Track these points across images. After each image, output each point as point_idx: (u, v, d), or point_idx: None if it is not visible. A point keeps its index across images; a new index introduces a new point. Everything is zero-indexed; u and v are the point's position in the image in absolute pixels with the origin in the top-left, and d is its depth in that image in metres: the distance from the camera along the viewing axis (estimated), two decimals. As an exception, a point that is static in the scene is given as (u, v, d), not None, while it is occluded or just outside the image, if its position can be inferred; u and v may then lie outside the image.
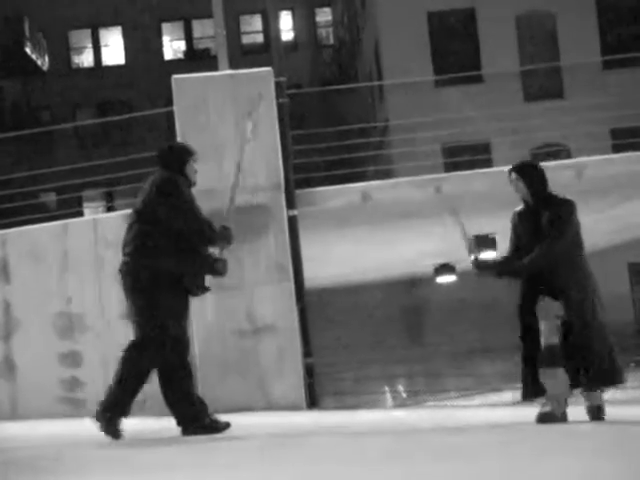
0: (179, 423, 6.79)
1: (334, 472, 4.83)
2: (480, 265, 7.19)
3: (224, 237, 6.85)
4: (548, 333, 6.49)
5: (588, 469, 4.37)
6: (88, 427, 7.20)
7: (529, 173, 6.99)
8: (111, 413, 6.55)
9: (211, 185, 9.68)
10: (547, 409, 6.52)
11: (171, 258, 6.52)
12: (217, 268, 6.82)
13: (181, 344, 6.79)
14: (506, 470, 4.44)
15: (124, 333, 9.10)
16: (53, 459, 6.07)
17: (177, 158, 6.87)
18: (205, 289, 6.85)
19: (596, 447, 5.63)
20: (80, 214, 13.98)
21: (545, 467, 4.66)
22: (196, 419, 6.74)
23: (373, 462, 5.11)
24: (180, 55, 37.00)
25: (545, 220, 6.74)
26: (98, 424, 6.53)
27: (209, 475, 4.93)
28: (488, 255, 12.97)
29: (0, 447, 7.11)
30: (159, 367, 6.75)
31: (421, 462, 4.99)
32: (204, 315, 9.79)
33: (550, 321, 6.52)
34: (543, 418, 6.44)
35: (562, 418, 6.51)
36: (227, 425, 6.74)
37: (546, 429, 6.43)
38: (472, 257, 7.31)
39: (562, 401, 6.50)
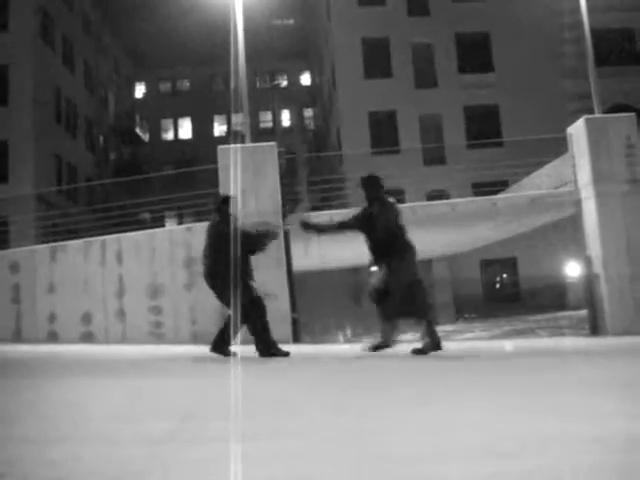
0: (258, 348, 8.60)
1: (306, 377, 6.68)
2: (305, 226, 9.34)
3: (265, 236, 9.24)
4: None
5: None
6: (167, 350, 10.16)
7: (365, 183, 8.98)
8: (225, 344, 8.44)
9: (240, 210, 11.39)
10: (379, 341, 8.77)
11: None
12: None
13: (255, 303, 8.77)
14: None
15: (186, 296, 13.75)
16: (143, 364, 8.64)
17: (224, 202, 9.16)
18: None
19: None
20: (163, 226, 16.59)
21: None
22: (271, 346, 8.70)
23: (329, 373, 6.74)
24: (223, 134, 49.84)
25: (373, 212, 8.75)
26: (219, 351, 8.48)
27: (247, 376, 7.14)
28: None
29: (118, 356, 9.79)
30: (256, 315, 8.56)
31: (357, 374, 6.52)
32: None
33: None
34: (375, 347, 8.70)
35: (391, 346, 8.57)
36: (287, 353, 8.66)
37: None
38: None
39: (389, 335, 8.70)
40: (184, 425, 3.51)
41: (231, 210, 9.17)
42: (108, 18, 47.05)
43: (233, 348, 8.57)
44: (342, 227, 9.21)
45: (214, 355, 8.42)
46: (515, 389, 4.93)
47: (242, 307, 8.39)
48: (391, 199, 9.07)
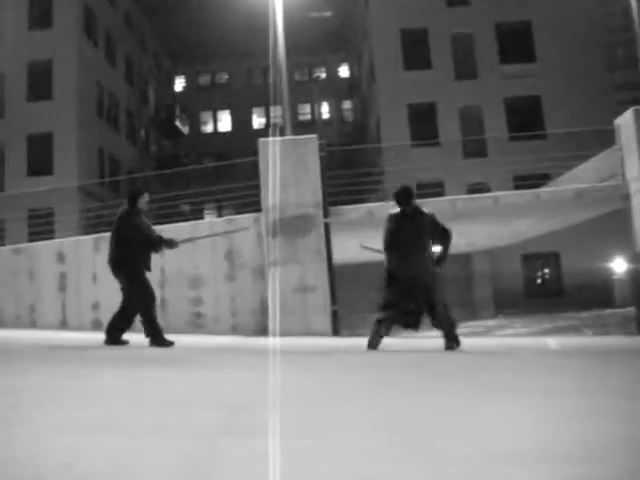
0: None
1: (348, 371, 6.70)
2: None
3: (168, 243, 9.52)
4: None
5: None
6: (207, 340, 10.28)
7: (400, 194, 9.05)
8: None
9: (281, 203, 13.43)
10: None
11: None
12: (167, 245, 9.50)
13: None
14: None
15: (226, 287, 13.85)
16: (185, 354, 8.79)
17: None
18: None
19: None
20: (202, 218, 16.80)
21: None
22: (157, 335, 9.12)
23: (366, 368, 6.57)
24: (262, 126, 49.70)
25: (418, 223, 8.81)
26: None
27: (288, 367, 7.09)
28: (438, 248, 17.00)
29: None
30: None
31: (393, 370, 6.35)
32: (274, 279, 13.09)
33: None
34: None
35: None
36: (172, 343, 8.98)
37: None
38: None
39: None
40: (238, 417, 3.52)
41: (140, 205, 9.45)
42: (148, 13, 47.38)
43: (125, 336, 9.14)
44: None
45: (249, 347, 8.81)
46: (571, 391, 4.84)
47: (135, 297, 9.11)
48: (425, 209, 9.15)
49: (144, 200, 9.48)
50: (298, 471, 2.45)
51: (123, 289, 9.30)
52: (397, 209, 9.08)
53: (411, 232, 8.79)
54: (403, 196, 9.04)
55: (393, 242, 8.92)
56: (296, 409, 3.83)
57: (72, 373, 5.81)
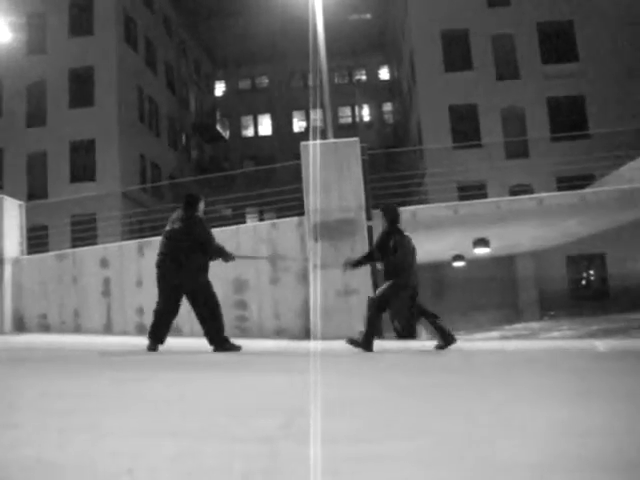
0: None
1: (386, 372, 6.73)
2: (347, 265, 9.99)
3: (226, 255, 9.32)
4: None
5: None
6: (252, 344, 9.97)
7: (385, 211, 9.71)
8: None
9: (323, 207, 13.47)
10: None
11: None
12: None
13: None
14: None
15: (270, 291, 13.81)
16: (233, 358, 8.62)
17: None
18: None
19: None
20: (244, 222, 16.77)
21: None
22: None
23: (411, 370, 6.51)
24: (302, 129, 50.42)
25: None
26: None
27: (339, 366, 7.40)
28: (483, 251, 16.81)
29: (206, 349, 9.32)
30: None
31: (437, 373, 6.23)
32: (317, 282, 13.10)
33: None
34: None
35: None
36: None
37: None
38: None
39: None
40: (294, 422, 3.48)
41: (199, 210, 9.46)
42: (188, 18, 47.74)
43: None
44: (370, 259, 10.30)
45: (296, 350, 8.87)
46: (630, 393, 4.71)
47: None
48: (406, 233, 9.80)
49: (202, 206, 9.50)
50: (359, 477, 2.42)
51: (192, 293, 9.14)
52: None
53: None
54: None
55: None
56: (351, 414, 3.80)
57: (125, 377, 5.83)
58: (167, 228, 9.36)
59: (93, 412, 3.79)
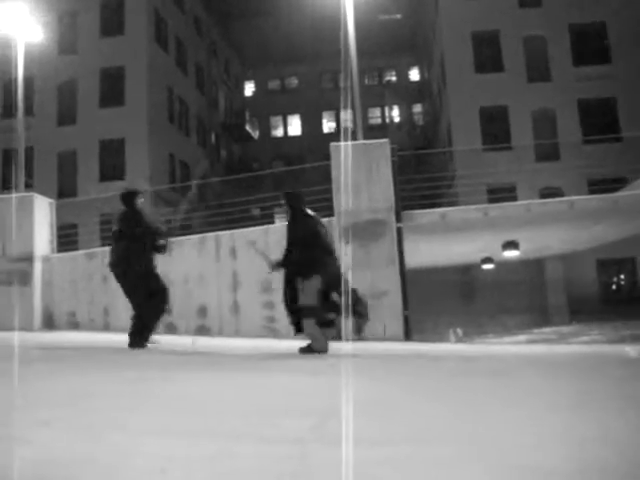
0: None
1: (415, 374, 6.71)
2: (274, 266, 8.93)
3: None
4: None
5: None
6: (280, 345, 10.19)
7: (288, 198, 8.98)
8: None
9: (353, 208, 13.41)
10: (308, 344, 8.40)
11: None
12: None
13: None
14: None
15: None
16: (262, 358, 8.67)
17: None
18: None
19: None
20: (272, 222, 16.86)
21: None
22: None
23: (441, 376, 6.38)
24: (332, 130, 49.83)
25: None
26: None
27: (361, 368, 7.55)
28: (512, 253, 16.55)
29: (235, 350, 9.87)
30: None
31: (470, 378, 6.13)
32: (346, 283, 13.97)
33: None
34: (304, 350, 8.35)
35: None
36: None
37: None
38: (270, 268, 9.15)
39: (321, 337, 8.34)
40: (324, 424, 3.45)
41: (138, 205, 9.41)
42: (218, 18, 47.91)
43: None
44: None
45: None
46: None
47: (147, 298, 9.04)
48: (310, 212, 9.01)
49: (140, 200, 9.48)
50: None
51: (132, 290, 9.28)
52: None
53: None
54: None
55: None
56: (382, 416, 3.78)
57: (154, 377, 5.84)
58: (113, 228, 9.50)
59: (123, 411, 3.79)
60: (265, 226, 14.77)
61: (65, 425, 3.29)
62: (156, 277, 9.36)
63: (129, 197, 9.38)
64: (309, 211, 9.00)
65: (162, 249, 9.46)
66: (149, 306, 9.13)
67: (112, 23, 36.46)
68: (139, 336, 9.08)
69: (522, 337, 19.19)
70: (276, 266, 8.95)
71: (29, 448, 2.73)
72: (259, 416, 3.70)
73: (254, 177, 22.66)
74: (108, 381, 5.30)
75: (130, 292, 9.25)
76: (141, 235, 9.11)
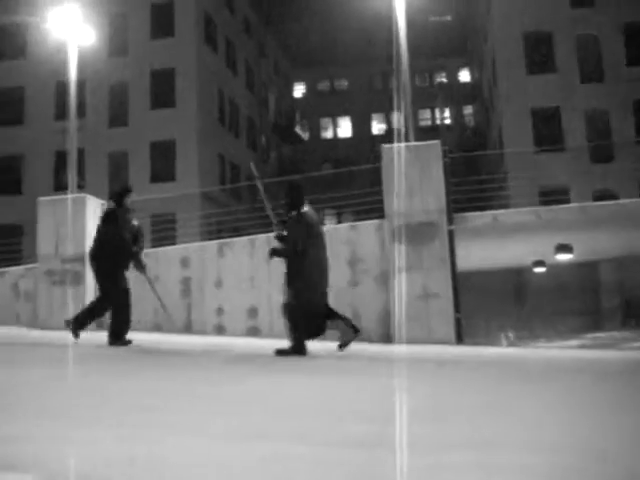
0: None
1: (470, 378, 6.68)
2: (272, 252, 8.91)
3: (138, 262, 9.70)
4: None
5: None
6: (330, 346, 9.40)
7: (288, 192, 9.11)
8: None
9: (404, 210, 13.28)
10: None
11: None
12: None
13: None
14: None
15: (349, 293, 13.62)
16: (315, 360, 8.47)
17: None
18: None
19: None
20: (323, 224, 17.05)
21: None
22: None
23: (491, 383, 6.18)
24: (381, 132, 50.32)
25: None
26: None
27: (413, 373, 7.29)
28: (565, 257, 16.27)
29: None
30: None
31: (518, 382, 6.15)
32: (397, 286, 13.00)
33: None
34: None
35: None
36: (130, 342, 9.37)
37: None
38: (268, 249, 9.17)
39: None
40: (387, 429, 3.40)
41: (127, 203, 9.69)
42: (268, 19, 48.10)
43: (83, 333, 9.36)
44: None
45: (376, 354, 8.77)
46: None
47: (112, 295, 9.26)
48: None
49: (130, 199, 9.76)
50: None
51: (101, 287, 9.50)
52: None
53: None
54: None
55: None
56: (439, 420, 3.75)
57: (209, 378, 5.88)
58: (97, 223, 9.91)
59: (178, 413, 3.81)
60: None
61: (130, 424, 3.32)
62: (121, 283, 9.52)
63: (118, 195, 9.74)
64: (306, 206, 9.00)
65: (137, 264, 9.78)
66: (119, 304, 9.41)
67: (162, 25, 36.86)
68: (80, 325, 9.41)
69: (574, 342, 18.92)
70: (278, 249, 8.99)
71: (95, 449, 2.76)
72: (318, 418, 3.69)
73: (303, 179, 22.65)
74: (167, 381, 5.34)
75: (102, 281, 9.49)
76: (113, 234, 9.36)
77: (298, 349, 8.36)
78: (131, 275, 10.34)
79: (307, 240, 8.53)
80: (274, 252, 8.94)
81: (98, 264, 9.38)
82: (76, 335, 9.22)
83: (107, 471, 2.41)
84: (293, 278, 8.55)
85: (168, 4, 37.09)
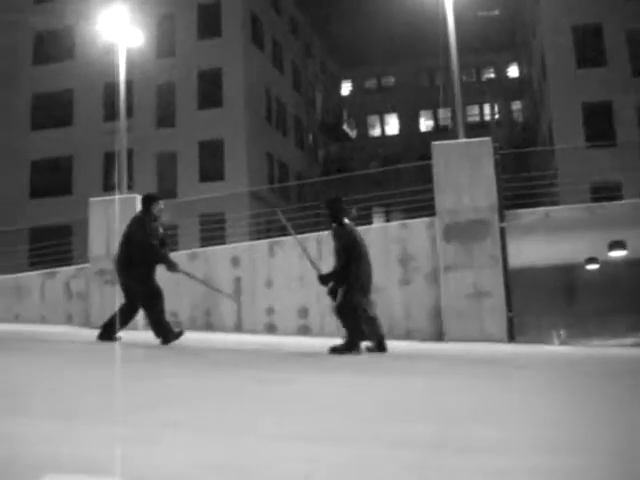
0: None
1: (524, 376, 6.76)
2: (322, 280, 9.01)
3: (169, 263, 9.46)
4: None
5: None
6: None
7: (330, 206, 9.10)
8: None
9: (455, 207, 13.41)
10: None
11: None
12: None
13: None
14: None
15: (400, 292, 13.63)
16: (367, 360, 8.64)
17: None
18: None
19: None
20: (370, 223, 16.96)
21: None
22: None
23: (554, 376, 6.60)
24: (429, 129, 50.25)
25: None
26: None
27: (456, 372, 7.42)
28: (619, 254, 15.99)
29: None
30: None
31: (591, 383, 6.15)
32: (448, 284, 13.17)
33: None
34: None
35: None
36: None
37: None
38: (317, 275, 9.15)
39: None
40: (450, 430, 3.39)
41: (155, 211, 9.56)
42: (314, 18, 48.15)
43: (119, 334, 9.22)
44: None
45: (432, 352, 8.64)
46: None
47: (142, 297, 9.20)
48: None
49: (158, 207, 9.62)
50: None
51: (128, 289, 9.44)
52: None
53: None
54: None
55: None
56: (501, 422, 3.71)
57: (269, 378, 5.87)
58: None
59: (246, 413, 3.82)
60: (366, 226, 14.56)
61: (197, 427, 3.32)
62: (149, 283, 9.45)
63: (145, 201, 9.72)
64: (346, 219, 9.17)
65: (169, 265, 9.59)
66: (148, 306, 9.37)
67: (209, 25, 37.07)
68: (110, 329, 9.29)
69: (628, 340, 18.59)
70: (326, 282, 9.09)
71: (159, 449, 2.77)
72: (391, 421, 3.68)
73: (351, 177, 22.67)
74: (234, 382, 5.38)
75: (127, 289, 9.46)
76: (139, 240, 9.29)
77: (353, 347, 8.46)
78: (175, 277, 10.38)
79: (353, 250, 8.77)
80: (322, 279, 9.10)
81: (128, 270, 9.37)
82: (112, 339, 9.21)
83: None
84: (345, 280, 8.73)
85: (215, 4, 37.30)
